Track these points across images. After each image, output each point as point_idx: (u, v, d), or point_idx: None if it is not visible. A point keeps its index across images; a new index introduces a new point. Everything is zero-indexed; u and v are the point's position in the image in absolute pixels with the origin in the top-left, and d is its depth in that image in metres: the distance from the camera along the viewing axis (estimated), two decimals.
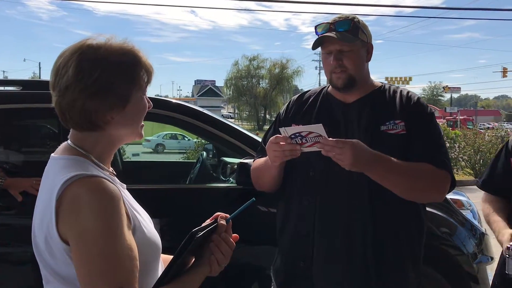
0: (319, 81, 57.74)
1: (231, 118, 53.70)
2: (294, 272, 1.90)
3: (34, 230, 1.17)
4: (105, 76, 1.12)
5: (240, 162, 2.73)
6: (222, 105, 69.38)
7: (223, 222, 1.27)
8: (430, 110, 1.91)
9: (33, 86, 3.16)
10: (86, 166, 1.13)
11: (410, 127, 1.80)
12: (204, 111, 3.24)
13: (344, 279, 1.80)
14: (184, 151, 13.65)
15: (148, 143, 22.53)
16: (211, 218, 1.30)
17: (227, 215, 1.30)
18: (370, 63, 1.94)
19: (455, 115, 43.59)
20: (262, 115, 49.70)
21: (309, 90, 2.09)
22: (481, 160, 13.61)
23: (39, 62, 59.06)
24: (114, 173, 1.24)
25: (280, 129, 1.70)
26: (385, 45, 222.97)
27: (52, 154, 1.22)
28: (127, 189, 1.24)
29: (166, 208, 2.83)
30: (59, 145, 1.24)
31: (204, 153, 4.20)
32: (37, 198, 1.18)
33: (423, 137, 1.81)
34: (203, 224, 1.27)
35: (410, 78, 53.48)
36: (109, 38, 1.17)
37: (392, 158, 1.73)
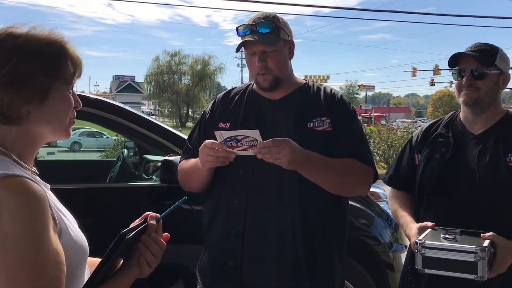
0: (242, 78, 58.23)
1: (152, 114, 52.57)
2: (222, 272, 1.89)
3: None
4: (21, 66, 1.05)
5: (164, 159, 2.67)
6: (142, 102, 67.62)
7: (153, 222, 1.22)
8: (353, 107, 1.98)
9: None
10: (6, 164, 1.03)
11: (335, 124, 1.86)
12: (124, 107, 3.12)
13: (275, 277, 1.82)
14: (103, 149, 13.18)
15: (63, 141, 21.44)
16: (140, 218, 1.25)
17: (157, 214, 1.25)
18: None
19: (369, 112, 45.92)
20: (185, 112, 49.12)
21: (235, 88, 2.08)
22: (394, 155, 14.44)
23: None
24: (37, 172, 1.15)
25: (215, 132, 1.68)
26: (304, 44, 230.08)
27: None
28: None
29: (84, 208, 2.69)
30: None
31: (125, 150, 4.07)
32: None
33: (347, 134, 1.87)
34: (132, 225, 1.22)
35: (328, 77, 55.30)
36: (34, 27, 1.10)
37: (321, 155, 1.77)
